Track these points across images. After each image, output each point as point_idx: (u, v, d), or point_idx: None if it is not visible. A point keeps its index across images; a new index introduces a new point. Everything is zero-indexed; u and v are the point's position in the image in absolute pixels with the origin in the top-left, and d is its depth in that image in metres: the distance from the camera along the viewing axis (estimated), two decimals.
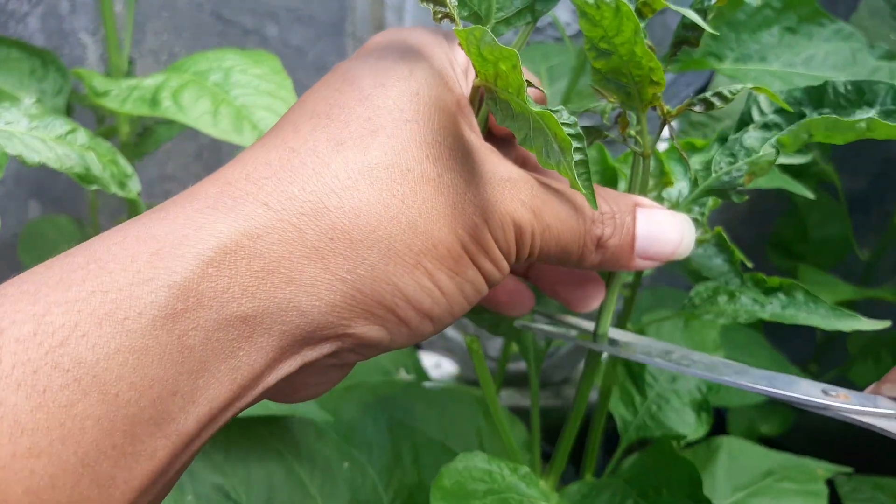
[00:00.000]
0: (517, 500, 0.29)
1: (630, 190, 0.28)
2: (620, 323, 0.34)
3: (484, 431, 0.44)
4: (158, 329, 0.18)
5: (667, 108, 0.26)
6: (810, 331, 0.61)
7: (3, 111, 0.34)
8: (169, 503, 0.33)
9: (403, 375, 0.57)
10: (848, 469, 0.44)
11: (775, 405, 0.65)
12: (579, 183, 0.22)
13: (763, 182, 0.42)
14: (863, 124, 0.25)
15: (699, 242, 0.30)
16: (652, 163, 0.30)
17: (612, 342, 0.31)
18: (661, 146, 0.74)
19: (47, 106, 0.45)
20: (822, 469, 0.43)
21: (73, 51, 0.57)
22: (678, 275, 0.70)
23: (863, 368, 0.59)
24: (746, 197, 0.28)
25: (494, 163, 0.24)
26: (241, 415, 0.34)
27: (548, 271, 0.30)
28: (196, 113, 0.40)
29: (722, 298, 0.30)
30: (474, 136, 0.24)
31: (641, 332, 0.42)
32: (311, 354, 0.22)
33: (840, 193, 0.60)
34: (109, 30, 0.48)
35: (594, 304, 0.30)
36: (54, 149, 0.35)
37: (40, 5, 0.54)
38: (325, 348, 0.22)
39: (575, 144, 0.21)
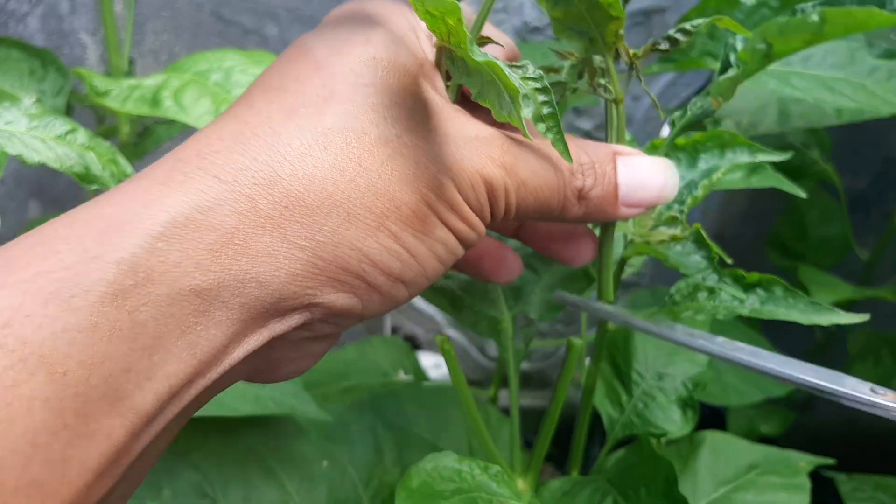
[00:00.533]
0: (486, 499, 0.28)
1: (607, 139, 0.28)
2: (601, 324, 0.34)
3: (473, 432, 0.44)
4: (107, 306, 0.18)
5: (632, 50, 0.26)
6: (810, 330, 0.61)
7: (3, 111, 0.34)
8: (146, 498, 0.33)
9: (402, 376, 0.57)
10: (830, 461, 0.44)
11: (775, 405, 0.65)
12: (551, 136, 0.22)
13: (757, 181, 0.42)
14: (815, 17, 0.24)
15: (677, 240, 0.30)
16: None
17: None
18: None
19: (47, 106, 0.45)
20: (805, 462, 0.43)
21: (73, 51, 0.57)
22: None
23: (863, 368, 0.59)
24: (717, 109, 0.29)
25: (461, 121, 0.24)
26: (223, 414, 0.34)
27: (537, 229, 0.30)
28: (197, 113, 0.40)
29: (702, 295, 0.30)
30: (438, 98, 0.24)
31: (625, 343, 0.42)
32: (278, 327, 0.21)
33: (840, 193, 0.60)
34: (109, 30, 0.48)
35: (587, 258, 0.30)
36: (54, 148, 0.35)
37: (40, 5, 0.55)
38: (294, 320, 0.21)
39: (541, 98, 0.22)
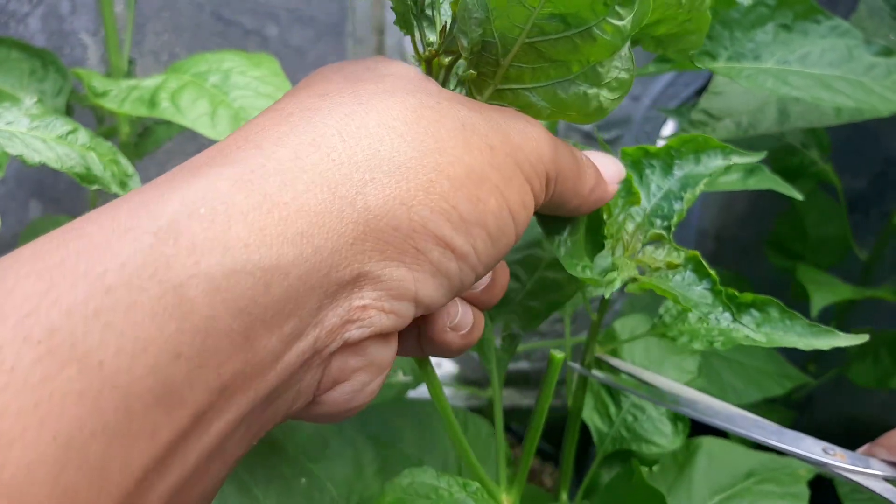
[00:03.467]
0: None
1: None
2: (588, 344, 0.33)
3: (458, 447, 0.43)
4: (146, 280, 0.16)
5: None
6: None
7: (4, 111, 0.35)
8: None
9: (401, 377, 0.57)
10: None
11: (774, 405, 0.65)
12: None
13: (754, 183, 0.42)
14: None
15: (672, 267, 0.28)
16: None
17: (613, 372, 0.32)
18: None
19: (48, 106, 0.45)
20: (805, 469, 0.42)
21: (74, 51, 0.57)
22: None
23: (861, 368, 0.59)
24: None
25: (510, 111, 0.24)
26: None
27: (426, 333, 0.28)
28: (194, 114, 0.40)
29: (692, 316, 0.29)
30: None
31: (615, 352, 0.41)
32: (332, 317, 0.19)
33: (839, 193, 0.60)
34: (109, 30, 0.48)
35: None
36: (55, 149, 0.35)
37: (41, 6, 0.55)
38: (346, 304, 0.19)
39: None
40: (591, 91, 0.24)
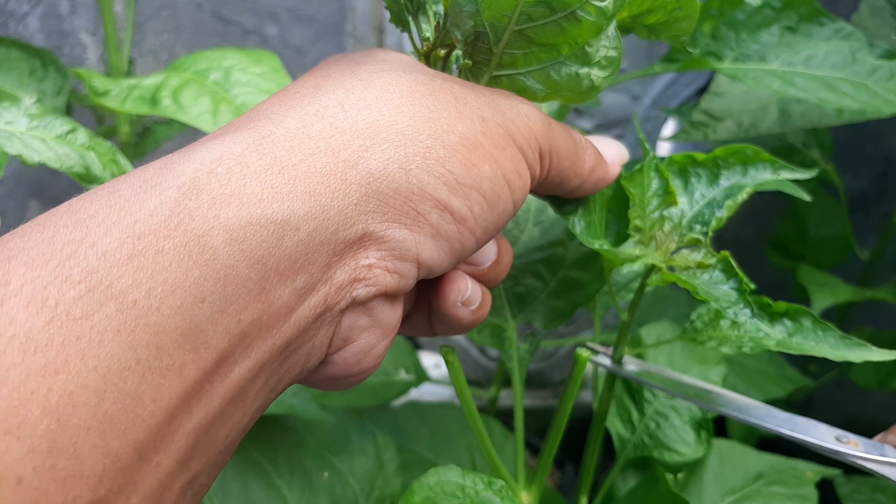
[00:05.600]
0: None
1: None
2: (618, 345, 0.34)
3: (475, 448, 0.43)
4: (173, 230, 0.17)
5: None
6: None
7: (3, 111, 0.34)
8: None
9: (403, 376, 0.57)
10: (836, 471, 0.44)
11: (775, 405, 0.65)
12: None
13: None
14: None
15: (703, 267, 0.29)
16: (655, 182, 0.30)
17: (630, 368, 0.32)
18: (664, 146, 0.74)
19: (47, 106, 0.45)
20: (812, 472, 0.42)
21: (73, 51, 0.57)
22: None
23: (862, 369, 0.59)
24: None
25: (502, 90, 0.25)
26: None
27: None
28: (196, 112, 0.40)
29: (724, 322, 0.29)
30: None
31: (641, 355, 0.41)
32: (341, 274, 0.20)
33: (840, 193, 0.60)
34: (109, 30, 0.48)
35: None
36: (54, 148, 0.35)
37: (40, 5, 0.54)
38: (352, 263, 0.20)
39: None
40: (583, 71, 0.25)
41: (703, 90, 0.65)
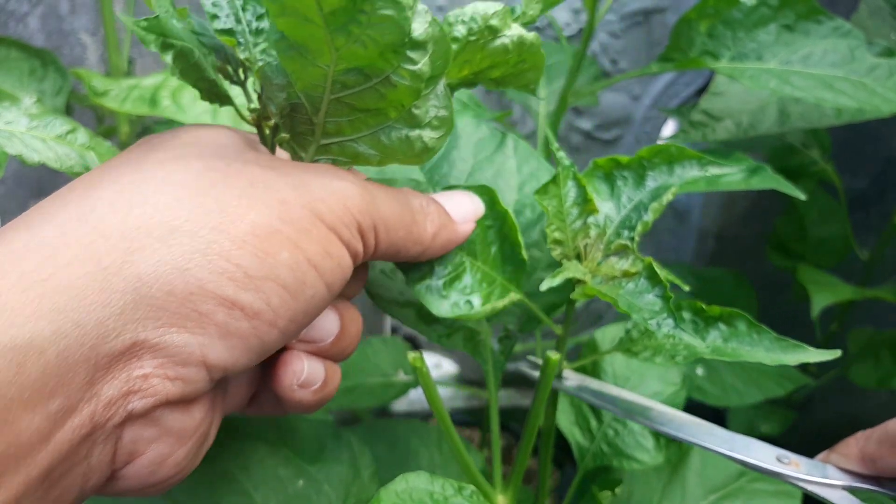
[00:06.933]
0: None
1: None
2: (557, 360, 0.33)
3: (437, 464, 0.42)
4: None
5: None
6: (810, 329, 0.61)
7: (3, 111, 0.34)
8: None
9: (402, 377, 0.57)
10: None
11: (775, 405, 0.65)
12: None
13: (757, 182, 0.42)
14: None
15: (629, 276, 0.27)
16: (573, 191, 0.29)
17: (573, 383, 0.32)
18: None
19: (47, 106, 0.45)
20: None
21: (73, 51, 0.57)
22: (677, 275, 0.70)
23: (862, 368, 0.59)
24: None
25: (317, 166, 0.24)
26: None
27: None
28: (195, 112, 0.40)
29: (660, 332, 0.29)
30: (282, 156, 0.25)
31: (596, 364, 0.40)
32: (108, 390, 0.19)
33: (840, 193, 0.60)
34: (109, 30, 0.48)
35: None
36: (54, 148, 0.35)
37: (40, 5, 0.55)
38: (123, 376, 0.19)
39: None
40: (413, 133, 0.25)
41: (702, 90, 0.65)
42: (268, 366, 0.26)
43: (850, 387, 0.60)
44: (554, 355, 0.29)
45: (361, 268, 0.28)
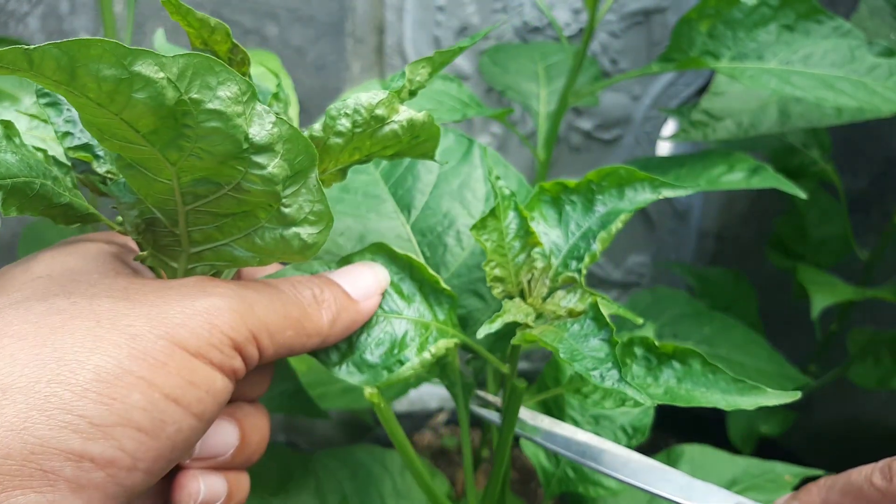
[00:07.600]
0: None
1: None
2: (504, 397, 0.31)
3: (401, 493, 0.41)
4: None
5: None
6: (810, 329, 0.61)
7: (3, 111, 0.34)
8: None
9: None
10: (820, 472, 0.43)
11: (773, 407, 0.65)
12: None
13: (757, 182, 0.42)
14: None
15: (574, 315, 0.25)
16: (514, 222, 0.27)
17: (535, 427, 0.31)
18: (664, 146, 0.74)
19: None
20: (791, 475, 0.40)
21: None
22: (677, 275, 0.70)
23: (862, 368, 0.59)
24: None
25: (182, 283, 0.23)
26: None
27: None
28: None
29: (604, 384, 0.28)
30: (146, 276, 0.24)
31: (560, 396, 0.38)
32: None
33: (840, 193, 0.60)
34: (109, 30, 0.48)
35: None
36: (54, 148, 0.35)
37: (40, 5, 0.55)
38: None
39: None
40: (288, 232, 0.23)
41: (703, 90, 0.65)
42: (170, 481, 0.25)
43: (850, 387, 0.60)
44: (521, 384, 0.28)
45: (264, 368, 0.27)
